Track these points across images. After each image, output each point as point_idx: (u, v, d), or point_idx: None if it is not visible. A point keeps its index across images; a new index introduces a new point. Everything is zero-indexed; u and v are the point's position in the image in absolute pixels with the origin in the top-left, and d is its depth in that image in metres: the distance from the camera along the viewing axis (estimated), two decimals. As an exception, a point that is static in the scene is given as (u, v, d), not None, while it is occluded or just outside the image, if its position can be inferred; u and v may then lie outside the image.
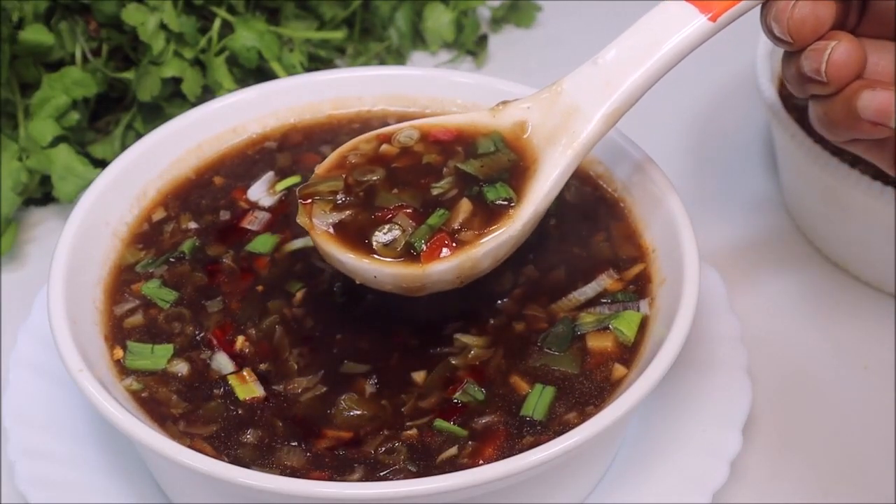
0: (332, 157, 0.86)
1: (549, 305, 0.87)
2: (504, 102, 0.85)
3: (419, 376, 0.83)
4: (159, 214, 0.94)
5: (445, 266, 0.80)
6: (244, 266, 0.90)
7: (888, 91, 0.73)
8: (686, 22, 0.78)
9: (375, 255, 0.81)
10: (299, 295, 0.88)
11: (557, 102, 0.83)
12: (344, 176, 0.84)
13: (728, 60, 1.23)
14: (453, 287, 0.83)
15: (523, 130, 0.84)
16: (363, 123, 1.00)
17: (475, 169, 0.83)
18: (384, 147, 0.86)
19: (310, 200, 0.83)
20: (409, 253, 0.80)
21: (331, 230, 0.82)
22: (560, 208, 0.93)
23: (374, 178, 0.84)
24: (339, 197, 0.83)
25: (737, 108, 1.22)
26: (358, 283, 0.82)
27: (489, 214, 0.82)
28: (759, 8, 0.77)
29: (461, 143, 0.85)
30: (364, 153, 0.86)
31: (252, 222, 0.94)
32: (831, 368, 1.00)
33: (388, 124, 0.99)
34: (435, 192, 0.83)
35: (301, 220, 0.83)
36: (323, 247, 0.82)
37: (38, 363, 0.93)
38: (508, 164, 0.83)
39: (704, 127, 1.21)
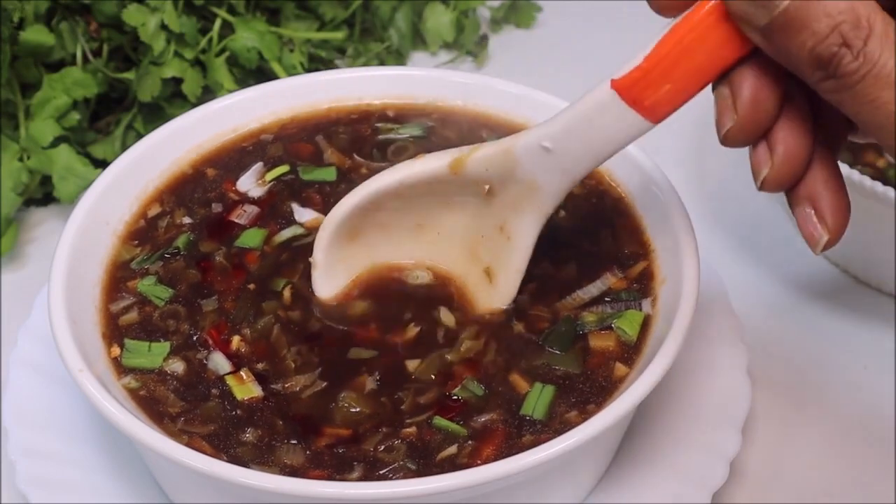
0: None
1: (552, 304, 0.87)
2: (458, 160, 0.84)
3: (413, 365, 0.83)
4: (154, 210, 0.94)
5: None
6: (236, 263, 0.90)
7: (817, 226, 0.71)
8: (629, 127, 0.76)
9: None
10: (287, 293, 0.88)
11: (517, 173, 0.82)
12: None
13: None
14: None
15: (491, 193, 0.84)
16: (361, 115, 1.00)
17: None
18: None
19: None
20: None
21: None
22: (562, 207, 0.93)
23: None
24: None
25: (737, 109, 1.22)
26: None
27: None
28: None
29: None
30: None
31: (241, 216, 0.94)
32: (831, 368, 1.00)
33: (388, 118, 0.99)
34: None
35: None
36: None
37: (39, 363, 0.93)
38: None
39: (704, 127, 1.21)
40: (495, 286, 0.86)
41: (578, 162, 0.80)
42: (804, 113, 0.71)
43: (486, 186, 0.84)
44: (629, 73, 0.73)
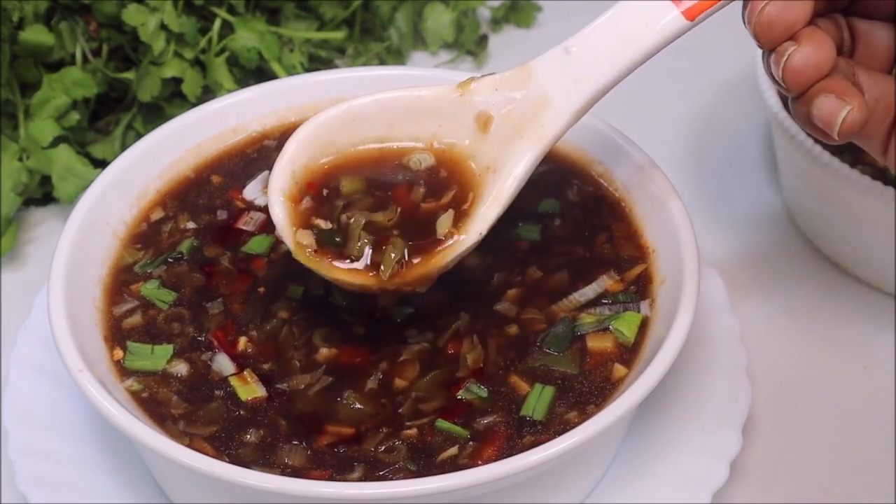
0: None
1: (549, 306, 0.87)
2: (473, 78, 0.83)
3: (413, 369, 0.83)
4: (157, 214, 0.94)
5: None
6: (241, 267, 0.90)
7: (838, 101, 0.71)
8: (661, 18, 0.76)
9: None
10: (299, 296, 0.88)
11: (528, 89, 0.81)
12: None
13: (728, 60, 1.23)
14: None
15: (486, 126, 0.83)
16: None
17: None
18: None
19: None
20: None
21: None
22: (562, 209, 0.93)
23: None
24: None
25: (737, 109, 1.22)
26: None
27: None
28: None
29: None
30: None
31: (247, 223, 0.94)
32: (831, 368, 1.00)
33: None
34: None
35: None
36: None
37: (38, 363, 0.93)
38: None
39: (704, 127, 1.21)
40: (470, 215, 0.83)
41: (599, 66, 0.77)
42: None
43: (486, 116, 0.82)
44: None
